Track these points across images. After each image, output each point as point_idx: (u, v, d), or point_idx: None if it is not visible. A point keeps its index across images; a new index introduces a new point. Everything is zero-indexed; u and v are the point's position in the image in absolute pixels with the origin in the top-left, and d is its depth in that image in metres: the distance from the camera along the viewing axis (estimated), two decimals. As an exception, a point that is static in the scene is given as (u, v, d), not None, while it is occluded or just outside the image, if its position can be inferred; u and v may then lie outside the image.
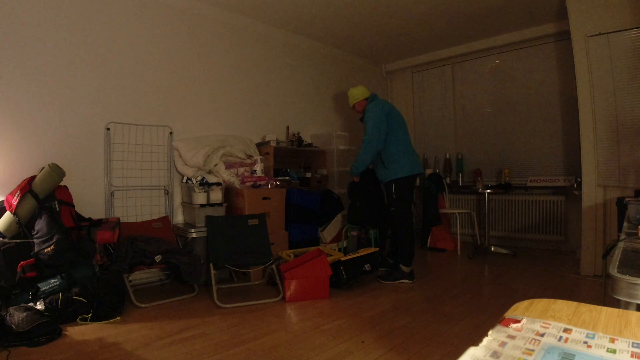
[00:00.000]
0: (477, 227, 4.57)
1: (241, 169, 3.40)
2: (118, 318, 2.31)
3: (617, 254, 1.08)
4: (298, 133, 4.26)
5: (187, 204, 3.24)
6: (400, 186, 3.09)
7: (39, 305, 2.15)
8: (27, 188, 2.38)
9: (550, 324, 0.63)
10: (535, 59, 4.36)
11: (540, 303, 0.73)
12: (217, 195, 3.13)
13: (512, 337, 0.59)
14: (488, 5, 3.68)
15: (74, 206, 2.62)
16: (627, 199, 2.11)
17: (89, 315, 2.25)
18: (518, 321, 0.63)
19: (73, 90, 2.84)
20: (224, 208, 3.17)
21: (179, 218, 3.39)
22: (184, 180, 3.29)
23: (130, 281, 2.63)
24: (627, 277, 0.86)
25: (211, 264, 2.71)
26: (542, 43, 4.27)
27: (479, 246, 4.22)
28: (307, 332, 2.11)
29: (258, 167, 3.42)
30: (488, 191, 4.07)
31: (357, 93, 3.31)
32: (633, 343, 0.55)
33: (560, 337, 0.58)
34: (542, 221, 4.23)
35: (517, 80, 4.51)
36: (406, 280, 3.05)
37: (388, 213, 3.25)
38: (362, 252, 3.08)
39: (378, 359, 1.79)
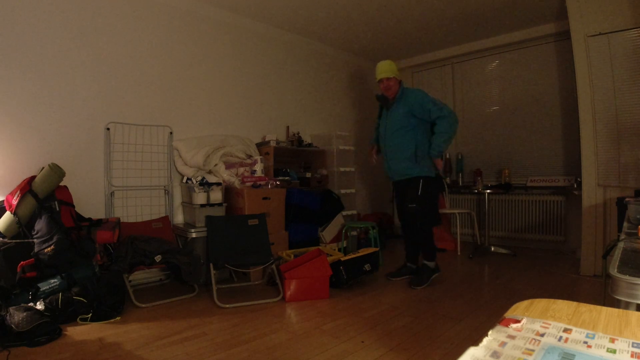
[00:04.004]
0: (477, 227, 4.57)
1: (241, 169, 3.40)
2: (118, 318, 2.31)
3: (617, 254, 1.08)
4: (298, 133, 4.26)
5: (187, 204, 3.24)
6: (428, 184, 2.93)
7: (39, 305, 2.15)
8: (27, 188, 2.38)
9: (550, 324, 0.63)
10: (535, 59, 4.36)
11: (540, 303, 0.73)
12: (217, 195, 3.13)
13: (512, 337, 0.58)
14: (488, 5, 3.68)
15: (74, 206, 2.62)
16: (627, 199, 2.10)
17: (89, 315, 2.25)
18: (518, 321, 0.63)
19: (73, 90, 2.84)
20: (224, 208, 3.17)
21: (179, 218, 3.39)
22: (184, 180, 3.30)
23: (130, 281, 2.64)
24: (627, 277, 0.86)
25: (211, 264, 2.71)
26: (542, 43, 4.27)
27: (479, 246, 4.22)
28: (307, 332, 2.11)
29: (258, 167, 3.42)
30: (488, 191, 4.07)
31: (395, 69, 2.99)
32: (633, 343, 0.55)
33: (560, 337, 0.58)
34: (542, 221, 4.23)
35: (517, 80, 4.51)
36: (436, 274, 3.00)
37: (405, 210, 3.02)
38: (362, 252, 3.08)
39: (378, 359, 1.79)
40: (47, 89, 2.72)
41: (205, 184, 3.12)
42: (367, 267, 2.99)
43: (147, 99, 3.23)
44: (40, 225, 2.35)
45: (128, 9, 3.12)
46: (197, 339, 2.02)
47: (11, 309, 2.03)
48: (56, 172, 2.47)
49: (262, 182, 3.34)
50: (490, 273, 3.40)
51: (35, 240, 2.32)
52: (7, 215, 2.36)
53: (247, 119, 3.95)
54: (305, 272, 2.68)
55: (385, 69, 2.97)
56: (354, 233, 4.04)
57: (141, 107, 3.19)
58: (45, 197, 2.44)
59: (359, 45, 4.82)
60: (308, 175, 4.06)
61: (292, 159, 4.22)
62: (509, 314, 0.69)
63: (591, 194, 3.20)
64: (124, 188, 3.07)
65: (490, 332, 0.60)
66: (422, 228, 2.97)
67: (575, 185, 3.85)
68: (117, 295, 2.44)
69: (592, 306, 0.71)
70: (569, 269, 3.37)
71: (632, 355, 0.52)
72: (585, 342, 0.56)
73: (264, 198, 3.25)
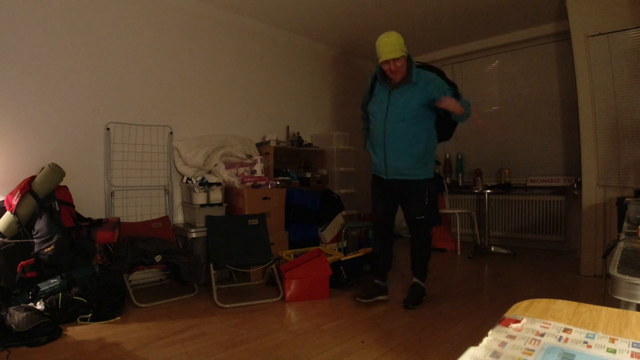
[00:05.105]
0: (477, 227, 4.57)
1: (241, 169, 3.40)
2: (118, 318, 2.31)
3: (617, 254, 1.08)
4: (298, 133, 4.26)
5: (187, 204, 3.24)
6: (432, 188, 2.57)
7: (39, 305, 2.15)
8: (27, 188, 2.38)
9: (550, 324, 0.63)
10: (535, 59, 4.36)
11: (540, 303, 0.73)
12: (217, 195, 3.13)
13: (512, 337, 0.58)
14: (488, 5, 3.68)
15: (74, 206, 2.62)
16: (627, 199, 2.10)
17: (89, 315, 2.25)
18: (518, 321, 0.63)
19: (73, 91, 2.84)
20: (224, 208, 3.17)
21: (179, 218, 3.39)
22: (184, 180, 3.30)
23: (130, 281, 2.63)
24: (627, 277, 0.86)
25: (211, 264, 2.71)
26: (542, 43, 4.27)
27: (479, 246, 4.22)
28: (307, 332, 2.11)
29: (258, 167, 3.42)
30: (488, 191, 4.07)
31: (403, 43, 2.35)
32: (633, 343, 0.55)
33: (560, 337, 0.58)
34: (542, 221, 4.23)
35: (517, 80, 4.51)
36: (425, 297, 2.60)
37: (411, 222, 2.58)
38: (362, 252, 3.08)
39: (378, 359, 1.79)
40: (47, 89, 2.72)
41: (205, 184, 3.12)
42: (367, 267, 2.99)
43: (147, 99, 3.23)
44: (40, 225, 2.35)
45: (128, 9, 3.12)
46: (197, 339, 2.02)
47: (11, 309, 2.03)
48: (56, 172, 2.47)
49: (262, 182, 3.34)
50: (490, 273, 3.40)
51: (35, 240, 2.32)
52: (7, 215, 2.36)
53: (247, 119, 3.95)
54: (305, 272, 2.68)
55: (392, 47, 2.30)
56: (354, 233, 4.04)
57: (141, 107, 3.19)
58: (45, 197, 2.44)
59: (359, 45, 4.81)
60: (308, 175, 4.05)
61: (292, 159, 4.22)
62: (509, 314, 0.69)
63: (591, 194, 3.20)
64: (124, 188, 3.07)
65: (490, 332, 0.60)
66: (424, 240, 2.62)
67: (575, 185, 3.85)
68: (117, 295, 2.44)
69: (592, 306, 0.71)
70: (569, 269, 3.37)
71: (632, 355, 0.52)
72: (585, 342, 0.56)
73: (264, 198, 3.25)
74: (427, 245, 2.67)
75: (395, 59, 2.32)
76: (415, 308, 2.47)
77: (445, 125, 2.56)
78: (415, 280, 2.63)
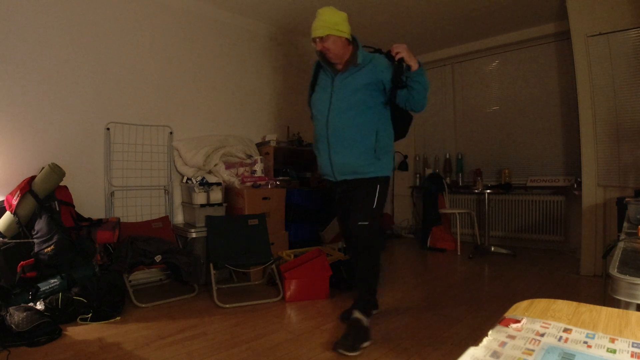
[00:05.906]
0: (477, 227, 4.57)
1: (241, 169, 3.40)
2: (118, 318, 2.31)
3: (617, 254, 1.08)
4: (298, 133, 4.25)
5: (187, 204, 3.24)
6: (385, 190, 2.11)
7: (39, 305, 2.15)
8: (27, 188, 2.38)
9: (550, 324, 0.63)
10: (535, 59, 4.36)
11: (540, 303, 0.73)
12: (217, 195, 3.13)
13: (512, 337, 0.58)
14: (488, 5, 3.68)
15: (74, 206, 2.62)
16: (627, 199, 2.11)
17: (89, 315, 2.25)
18: (518, 321, 0.63)
19: (73, 91, 2.84)
20: (224, 208, 3.17)
21: (179, 218, 3.39)
22: (184, 180, 3.30)
23: (130, 281, 2.63)
24: (627, 277, 0.86)
25: (211, 264, 2.71)
26: (542, 43, 4.27)
27: (479, 246, 4.22)
28: (307, 332, 2.11)
29: (258, 167, 3.42)
30: (488, 191, 4.07)
31: (339, 21, 2.02)
32: (633, 343, 0.55)
33: (560, 337, 0.58)
34: (542, 221, 4.23)
35: (517, 80, 4.51)
36: (367, 342, 1.87)
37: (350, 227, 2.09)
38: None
39: (378, 359, 1.79)
40: (47, 89, 2.72)
41: (205, 184, 3.12)
42: (367, 267, 2.98)
43: (147, 99, 3.23)
44: (40, 225, 2.35)
45: (128, 9, 3.12)
46: (197, 339, 2.02)
47: (11, 309, 2.03)
48: (56, 172, 2.47)
49: (262, 182, 3.34)
50: (490, 273, 3.40)
51: (35, 240, 2.32)
52: (7, 215, 2.36)
53: (247, 119, 3.95)
54: (305, 272, 2.68)
55: (320, 24, 2.00)
56: (354, 233, 4.03)
57: (141, 107, 3.19)
58: (45, 197, 2.44)
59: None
60: (308, 175, 4.05)
61: (292, 159, 4.22)
62: (509, 314, 0.69)
63: (591, 194, 3.20)
64: (124, 188, 3.07)
65: (490, 332, 0.60)
66: (369, 254, 2.06)
67: (575, 185, 3.85)
68: (117, 295, 2.44)
69: (592, 306, 0.71)
70: (569, 269, 3.37)
71: (632, 355, 0.52)
72: (585, 342, 0.56)
73: (264, 198, 3.25)
74: (374, 260, 2.06)
75: (321, 38, 2.00)
76: (349, 354, 1.76)
77: (399, 122, 2.22)
78: (355, 313, 1.97)
